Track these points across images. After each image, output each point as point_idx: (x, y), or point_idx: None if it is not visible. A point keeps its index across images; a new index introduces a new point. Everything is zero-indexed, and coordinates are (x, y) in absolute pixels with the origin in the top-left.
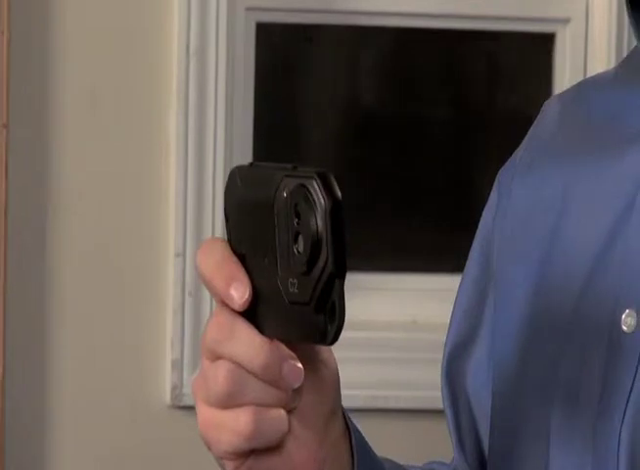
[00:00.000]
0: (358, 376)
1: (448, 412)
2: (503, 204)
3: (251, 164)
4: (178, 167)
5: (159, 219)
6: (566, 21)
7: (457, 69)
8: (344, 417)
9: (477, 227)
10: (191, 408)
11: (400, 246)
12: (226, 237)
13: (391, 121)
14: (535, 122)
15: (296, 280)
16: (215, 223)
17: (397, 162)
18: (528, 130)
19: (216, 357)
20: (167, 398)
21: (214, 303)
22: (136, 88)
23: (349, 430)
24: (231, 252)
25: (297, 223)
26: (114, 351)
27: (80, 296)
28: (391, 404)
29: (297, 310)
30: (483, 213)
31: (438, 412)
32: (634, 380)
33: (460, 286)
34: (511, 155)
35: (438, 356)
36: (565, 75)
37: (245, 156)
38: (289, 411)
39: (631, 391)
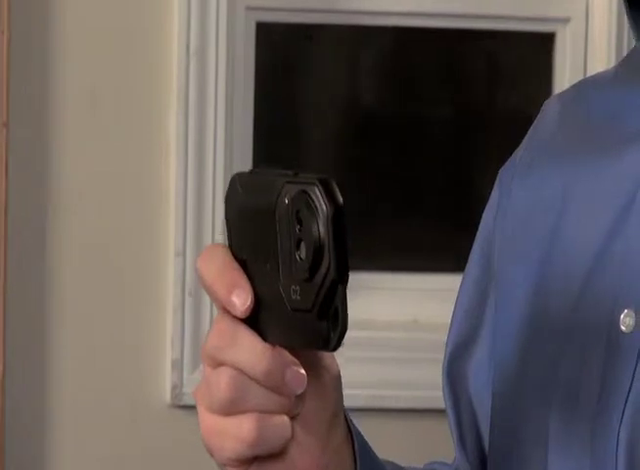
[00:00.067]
0: (359, 375)
1: (450, 412)
2: (503, 203)
3: (251, 171)
4: (178, 167)
5: (159, 219)
6: (566, 20)
7: (457, 68)
8: (347, 421)
9: (477, 227)
10: (191, 408)
11: (401, 245)
12: (227, 242)
13: (391, 121)
14: (535, 122)
15: (298, 287)
16: (215, 223)
17: (397, 161)
18: (528, 130)
19: (218, 364)
20: (167, 397)
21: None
22: (136, 88)
23: (352, 434)
24: (232, 258)
25: (300, 230)
26: (114, 350)
27: (80, 296)
28: (392, 404)
29: (300, 317)
30: (484, 213)
31: (439, 412)
32: (632, 380)
33: (461, 286)
34: (511, 155)
35: (439, 356)
36: (565, 75)
37: (245, 156)
38: (291, 418)
39: (630, 391)
